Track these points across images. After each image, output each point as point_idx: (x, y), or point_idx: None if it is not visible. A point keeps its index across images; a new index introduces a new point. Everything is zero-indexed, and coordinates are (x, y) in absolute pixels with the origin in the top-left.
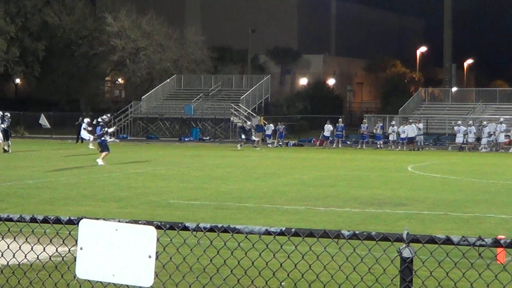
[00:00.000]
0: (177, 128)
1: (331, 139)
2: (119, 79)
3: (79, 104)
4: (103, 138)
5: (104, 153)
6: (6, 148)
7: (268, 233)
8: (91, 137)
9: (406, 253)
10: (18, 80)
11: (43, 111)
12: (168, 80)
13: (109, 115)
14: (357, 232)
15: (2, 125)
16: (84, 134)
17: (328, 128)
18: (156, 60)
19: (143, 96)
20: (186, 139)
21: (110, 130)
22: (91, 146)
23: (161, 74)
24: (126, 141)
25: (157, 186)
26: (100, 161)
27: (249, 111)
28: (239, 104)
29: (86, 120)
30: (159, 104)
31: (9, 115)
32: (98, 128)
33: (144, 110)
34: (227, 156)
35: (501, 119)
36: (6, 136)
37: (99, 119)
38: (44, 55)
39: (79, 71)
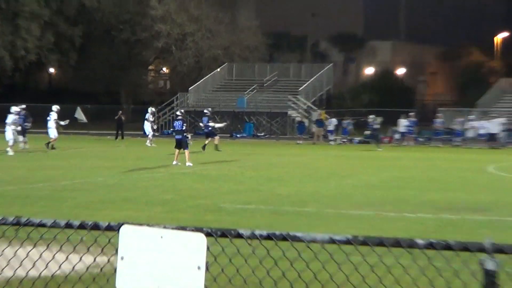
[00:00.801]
0: (228, 122)
1: (398, 136)
2: (164, 68)
3: (119, 96)
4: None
5: (186, 152)
6: (22, 146)
7: (332, 241)
8: (151, 132)
9: (490, 265)
10: (52, 70)
11: (79, 104)
12: (218, 69)
13: (210, 109)
14: (433, 241)
15: (25, 124)
16: (147, 127)
17: (403, 123)
18: (205, 47)
19: (191, 87)
20: (238, 136)
21: (218, 125)
22: (148, 142)
23: (210, 63)
24: (171, 137)
25: (206, 188)
26: (188, 163)
27: (309, 104)
28: (298, 96)
29: (151, 109)
30: (208, 96)
31: (24, 108)
32: (205, 118)
33: (192, 103)
34: (284, 155)
35: None
36: (23, 133)
37: (205, 111)
38: (81, 42)
39: (120, 59)
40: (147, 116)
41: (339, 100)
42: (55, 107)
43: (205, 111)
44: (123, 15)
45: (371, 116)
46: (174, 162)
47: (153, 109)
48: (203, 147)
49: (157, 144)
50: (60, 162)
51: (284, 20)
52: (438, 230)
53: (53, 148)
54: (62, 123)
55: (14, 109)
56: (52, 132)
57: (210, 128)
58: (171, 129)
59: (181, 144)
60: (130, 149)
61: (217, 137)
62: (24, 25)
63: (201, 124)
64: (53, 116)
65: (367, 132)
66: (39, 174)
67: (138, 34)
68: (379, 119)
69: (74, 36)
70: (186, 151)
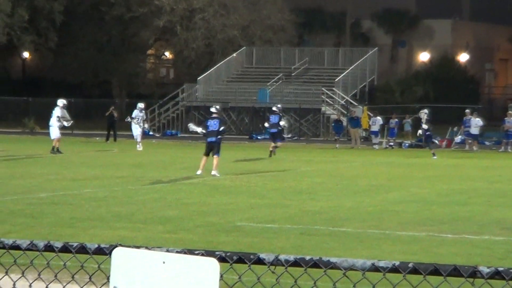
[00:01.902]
0: (246, 121)
1: (460, 139)
2: (166, 53)
3: (111, 88)
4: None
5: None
6: None
7: (375, 269)
8: (139, 134)
9: None
10: (26, 54)
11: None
12: (234, 55)
13: (280, 105)
14: (500, 269)
15: None
16: (134, 127)
17: (476, 123)
18: (218, 26)
19: (200, 77)
20: (259, 137)
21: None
22: (139, 146)
23: (225, 46)
24: (176, 139)
25: (219, 202)
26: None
27: (348, 98)
28: (334, 89)
29: (140, 105)
30: (221, 88)
31: None
32: (274, 117)
33: (201, 97)
34: (316, 162)
35: None
36: None
37: (274, 108)
38: (63, 20)
39: (111, 41)
40: (135, 113)
41: (385, 93)
42: (61, 102)
43: (274, 108)
44: None
45: (422, 112)
46: (199, 172)
47: (142, 105)
48: (271, 154)
49: (157, 147)
50: (37, 169)
51: None
52: (507, 256)
53: (58, 151)
54: (65, 123)
55: None
56: (54, 131)
57: (280, 129)
58: (201, 130)
59: (212, 148)
60: (124, 153)
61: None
62: None
63: (266, 124)
64: (56, 112)
65: (420, 132)
66: (11, 184)
67: (133, 10)
68: (424, 116)
69: (54, 12)
70: (217, 157)
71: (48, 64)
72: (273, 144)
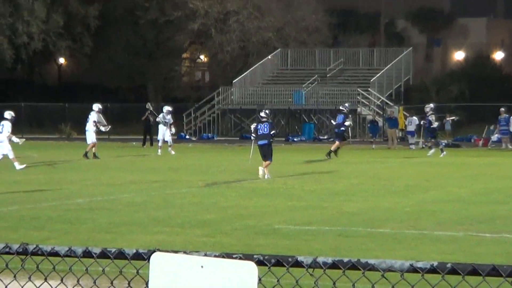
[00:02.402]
0: (282, 123)
1: (496, 137)
2: (201, 57)
3: (146, 92)
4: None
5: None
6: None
7: (413, 269)
8: (162, 139)
9: None
10: (62, 60)
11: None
12: (269, 57)
13: (347, 104)
14: None
15: None
16: (163, 131)
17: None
18: (253, 29)
19: (235, 80)
20: (295, 139)
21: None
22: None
23: (260, 49)
24: (212, 143)
25: (256, 205)
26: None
27: (383, 98)
28: (369, 89)
29: (167, 108)
30: (257, 90)
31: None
32: (341, 116)
33: (237, 99)
34: (353, 163)
35: None
36: None
37: (341, 107)
38: (98, 25)
39: (146, 45)
40: (160, 117)
41: (420, 93)
42: (96, 106)
43: (341, 107)
44: None
45: (428, 106)
46: (267, 176)
47: (169, 108)
48: (329, 154)
49: (193, 151)
50: (74, 175)
51: None
52: None
53: (95, 156)
54: (102, 128)
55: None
56: (90, 136)
57: (343, 129)
58: (252, 134)
59: (265, 152)
60: (161, 157)
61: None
62: (26, 5)
63: (333, 121)
64: (92, 117)
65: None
66: (48, 191)
67: (168, 13)
68: (429, 110)
69: (89, 18)
70: (269, 162)
71: (83, 69)
72: (337, 143)
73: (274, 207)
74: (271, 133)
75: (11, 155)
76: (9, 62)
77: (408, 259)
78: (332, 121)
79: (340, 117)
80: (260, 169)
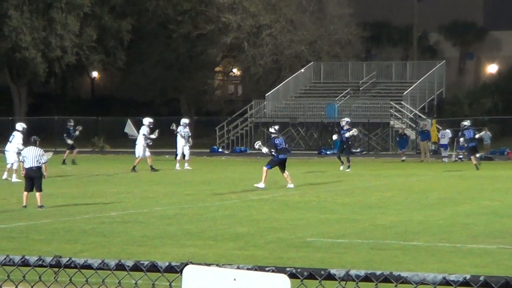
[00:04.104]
0: (315, 136)
1: None
2: (234, 70)
3: (180, 105)
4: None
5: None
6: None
7: (446, 282)
8: (188, 151)
9: None
10: (95, 74)
11: (129, 116)
12: (302, 70)
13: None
14: None
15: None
16: (180, 143)
17: None
18: (285, 42)
19: (268, 93)
20: (328, 152)
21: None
22: (187, 165)
23: (292, 62)
24: (245, 156)
25: (288, 218)
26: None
27: (416, 111)
28: (402, 102)
29: (184, 121)
30: (290, 103)
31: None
32: (471, 131)
33: (270, 113)
34: (386, 176)
35: None
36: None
37: (465, 122)
38: (131, 38)
39: (179, 59)
40: (179, 130)
41: (453, 106)
42: (147, 120)
43: (465, 122)
44: (183, 4)
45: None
46: (290, 185)
47: (187, 120)
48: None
49: (226, 164)
50: (107, 188)
51: (384, 7)
52: None
53: (153, 169)
54: (152, 136)
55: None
56: (138, 150)
57: (474, 144)
58: (266, 150)
59: (284, 164)
60: (194, 171)
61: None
62: (59, 18)
63: (461, 140)
64: (142, 130)
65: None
66: (82, 204)
67: (201, 27)
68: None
69: (122, 31)
70: (287, 173)
71: (116, 83)
72: (476, 156)
73: (307, 220)
74: (287, 146)
75: (14, 166)
76: (42, 76)
77: (441, 272)
78: (461, 139)
79: (469, 133)
80: (290, 185)
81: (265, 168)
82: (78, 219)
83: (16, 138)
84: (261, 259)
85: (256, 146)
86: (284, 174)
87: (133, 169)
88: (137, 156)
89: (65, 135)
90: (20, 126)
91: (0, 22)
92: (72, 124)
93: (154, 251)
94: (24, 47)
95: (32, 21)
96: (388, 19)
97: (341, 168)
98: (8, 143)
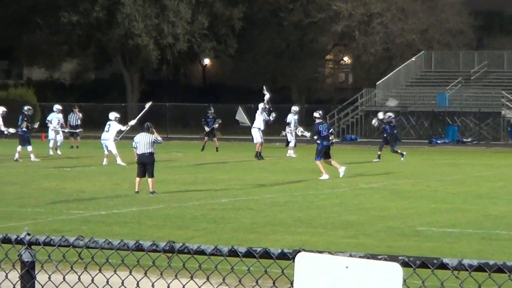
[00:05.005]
0: (426, 126)
1: None
2: (345, 58)
3: (290, 93)
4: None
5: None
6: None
7: None
8: (292, 138)
9: None
10: (207, 61)
11: (239, 103)
12: (413, 59)
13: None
14: None
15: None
16: (255, 134)
17: None
18: (396, 31)
19: (379, 82)
20: (438, 141)
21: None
22: (291, 152)
23: (403, 51)
24: (355, 144)
25: (399, 207)
26: None
27: None
28: None
29: (294, 108)
30: (400, 92)
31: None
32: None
33: (380, 101)
34: (497, 165)
35: None
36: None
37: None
38: (242, 26)
39: (290, 47)
40: (289, 119)
41: None
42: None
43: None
44: None
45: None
46: (342, 171)
47: (296, 109)
48: None
49: (336, 152)
50: (218, 175)
51: None
52: None
53: (259, 156)
54: (271, 118)
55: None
56: (256, 135)
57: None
58: (314, 135)
59: (329, 151)
60: (303, 158)
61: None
62: (171, 6)
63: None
64: (260, 112)
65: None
66: (193, 190)
67: (312, 15)
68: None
69: (233, 19)
70: (331, 160)
71: (227, 71)
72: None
73: (417, 209)
74: (331, 131)
75: (114, 151)
76: (155, 63)
77: None
78: None
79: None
80: (341, 169)
81: (317, 162)
82: (189, 205)
83: (113, 127)
84: (371, 247)
85: (299, 133)
86: (331, 161)
87: (258, 155)
88: (255, 142)
89: (203, 121)
90: (112, 115)
91: (113, 10)
92: (212, 111)
93: (265, 238)
94: (137, 34)
95: (145, 8)
96: (501, 8)
97: (403, 159)
98: (105, 132)
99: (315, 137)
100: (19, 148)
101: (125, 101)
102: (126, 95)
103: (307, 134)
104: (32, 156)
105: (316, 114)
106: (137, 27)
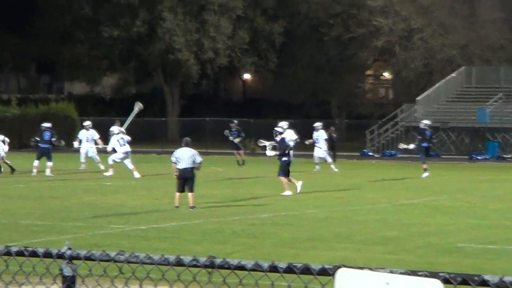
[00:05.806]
0: (466, 141)
1: None
2: (385, 73)
3: (330, 108)
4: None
5: None
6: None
7: None
8: (325, 154)
9: None
10: (247, 76)
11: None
12: (453, 74)
13: None
14: None
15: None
16: (317, 151)
17: None
18: (437, 46)
19: (419, 97)
20: (479, 157)
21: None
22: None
23: (444, 66)
24: (395, 160)
25: (439, 223)
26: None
27: None
28: None
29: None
30: (440, 108)
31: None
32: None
33: (420, 116)
34: None
35: None
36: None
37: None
38: (283, 41)
39: (330, 62)
40: (317, 135)
41: None
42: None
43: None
44: (334, 7)
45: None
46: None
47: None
48: None
49: (376, 168)
50: (258, 190)
51: None
52: None
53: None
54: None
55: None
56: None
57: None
58: (285, 150)
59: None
60: (343, 173)
61: None
62: (212, 21)
63: None
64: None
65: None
66: (233, 205)
67: (352, 30)
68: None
69: (274, 34)
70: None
71: (268, 85)
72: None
73: (457, 226)
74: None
75: (130, 166)
76: (195, 78)
77: None
78: None
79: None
80: (298, 184)
81: (281, 178)
82: (229, 220)
83: (112, 140)
84: (411, 263)
85: (268, 152)
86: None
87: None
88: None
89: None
90: (116, 128)
91: (154, 24)
92: (236, 123)
93: (304, 253)
94: (177, 49)
95: (186, 23)
96: None
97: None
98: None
99: (280, 153)
100: (49, 163)
101: (165, 115)
102: (166, 109)
103: (273, 153)
104: (48, 170)
105: (278, 129)
106: (178, 41)
